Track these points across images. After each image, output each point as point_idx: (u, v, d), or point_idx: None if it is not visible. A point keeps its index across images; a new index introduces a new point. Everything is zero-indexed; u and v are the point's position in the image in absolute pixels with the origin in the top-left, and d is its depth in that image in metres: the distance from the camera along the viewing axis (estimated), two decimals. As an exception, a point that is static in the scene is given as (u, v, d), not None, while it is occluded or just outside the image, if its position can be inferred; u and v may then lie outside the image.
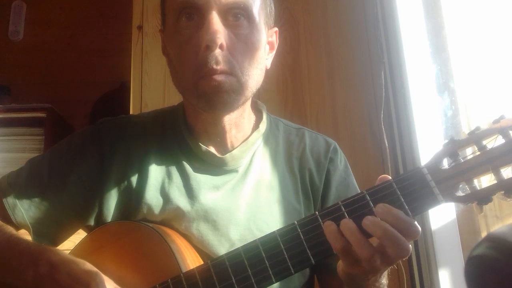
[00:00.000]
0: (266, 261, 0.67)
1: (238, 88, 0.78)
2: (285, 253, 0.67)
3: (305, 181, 0.90)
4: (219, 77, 0.75)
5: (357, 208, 0.65)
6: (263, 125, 0.91)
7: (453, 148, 0.65)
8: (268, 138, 0.92)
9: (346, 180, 0.92)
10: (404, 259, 0.64)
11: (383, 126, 1.51)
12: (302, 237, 0.67)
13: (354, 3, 1.68)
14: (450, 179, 0.64)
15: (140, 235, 0.79)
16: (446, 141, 0.66)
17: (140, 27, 1.69)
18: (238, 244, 0.78)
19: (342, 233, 0.63)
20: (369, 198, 0.65)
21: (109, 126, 0.90)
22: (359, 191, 0.67)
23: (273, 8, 0.88)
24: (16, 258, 0.74)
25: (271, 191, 0.87)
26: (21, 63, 2.10)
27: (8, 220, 0.83)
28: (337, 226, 0.64)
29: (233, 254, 0.70)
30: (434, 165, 0.65)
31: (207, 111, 0.81)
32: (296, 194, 0.89)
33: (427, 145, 1.34)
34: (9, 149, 1.74)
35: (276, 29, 0.90)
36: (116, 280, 0.72)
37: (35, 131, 1.76)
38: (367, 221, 0.63)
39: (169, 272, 0.72)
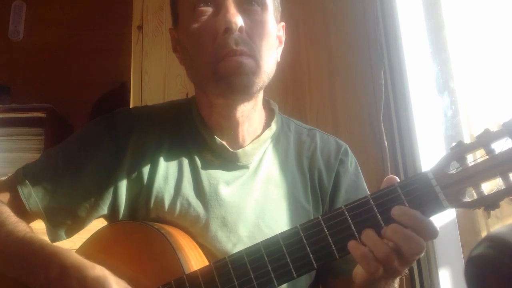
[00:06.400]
0: (268, 265, 0.67)
1: (257, 71, 0.79)
2: (287, 256, 0.67)
3: (314, 181, 0.90)
4: (239, 58, 0.76)
5: (361, 212, 0.65)
6: (274, 124, 0.91)
7: (461, 151, 0.63)
8: (279, 138, 0.92)
9: (356, 183, 0.92)
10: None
11: (383, 126, 1.51)
12: (305, 241, 0.67)
13: (354, 3, 1.68)
14: (457, 184, 0.62)
15: (144, 236, 0.79)
16: (454, 143, 0.64)
17: (140, 27, 1.69)
18: (246, 241, 0.79)
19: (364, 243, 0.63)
20: (373, 203, 0.65)
21: (124, 116, 0.90)
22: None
23: (279, 3, 0.89)
24: (29, 257, 0.74)
25: (280, 189, 0.87)
26: (21, 63, 2.10)
27: (22, 210, 0.83)
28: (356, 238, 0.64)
29: (236, 257, 0.70)
30: (440, 170, 0.63)
31: (225, 97, 0.81)
32: (306, 193, 0.89)
33: (427, 145, 1.34)
34: (9, 149, 1.73)
35: (283, 23, 0.91)
36: (126, 280, 0.72)
37: (35, 131, 1.75)
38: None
39: (173, 273, 0.73)
